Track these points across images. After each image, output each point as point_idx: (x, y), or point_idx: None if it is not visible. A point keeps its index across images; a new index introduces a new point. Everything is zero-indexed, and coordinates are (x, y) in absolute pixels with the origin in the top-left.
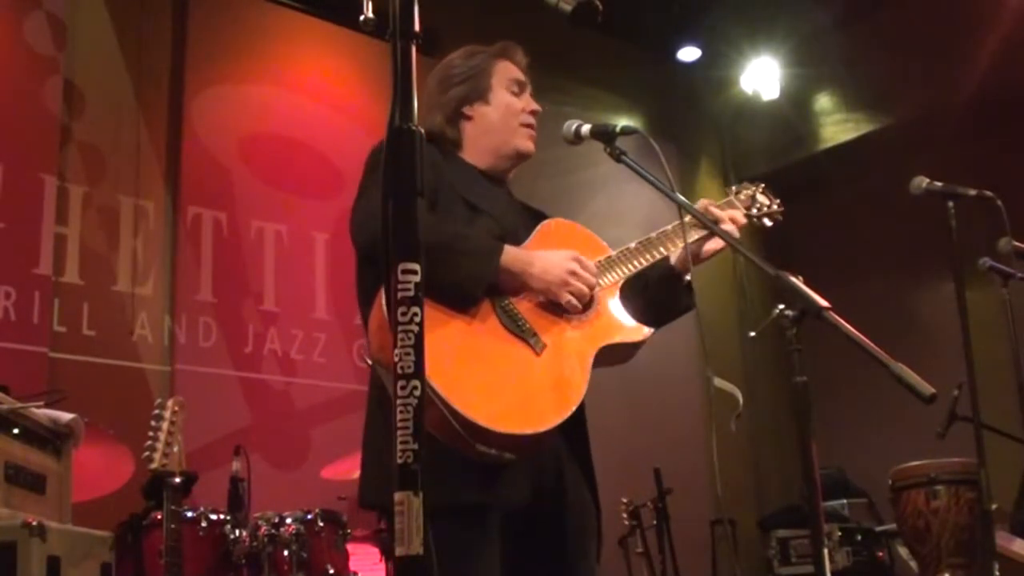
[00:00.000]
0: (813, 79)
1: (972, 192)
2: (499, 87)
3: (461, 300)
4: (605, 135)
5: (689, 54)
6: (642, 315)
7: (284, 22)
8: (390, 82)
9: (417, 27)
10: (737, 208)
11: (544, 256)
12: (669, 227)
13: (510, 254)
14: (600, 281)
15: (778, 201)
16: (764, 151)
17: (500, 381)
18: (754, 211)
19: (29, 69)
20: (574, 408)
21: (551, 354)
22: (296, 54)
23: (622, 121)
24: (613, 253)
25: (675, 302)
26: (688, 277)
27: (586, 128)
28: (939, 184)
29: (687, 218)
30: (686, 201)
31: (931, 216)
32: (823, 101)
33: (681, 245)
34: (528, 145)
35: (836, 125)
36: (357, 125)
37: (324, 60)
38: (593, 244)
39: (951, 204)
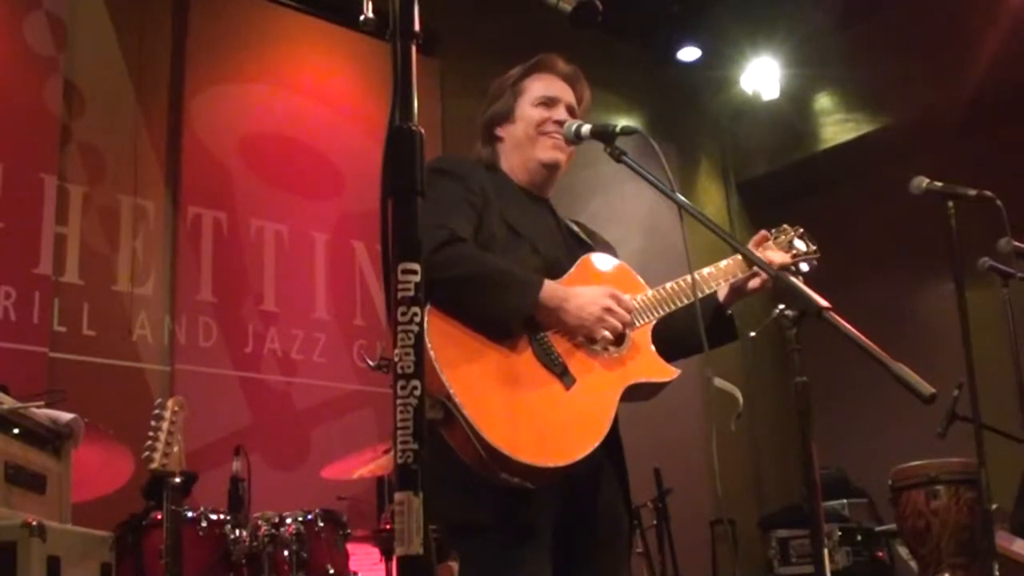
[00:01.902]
0: (813, 79)
1: (972, 192)
2: (524, 104)
3: (497, 331)
4: (605, 135)
5: (689, 54)
6: (681, 347)
7: (284, 22)
8: (390, 82)
9: (417, 27)
10: (776, 250)
11: (580, 293)
12: (705, 270)
13: (548, 289)
14: (634, 320)
15: (815, 247)
16: (764, 151)
17: (528, 412)
18: (789, 256)
19: (29, 69)
20: (596, 445)
21: (579, 390)
22: (296, 54)
23: (622, 121)
24: (649, 292)
25: (723, 335)
26: (730, 311)
27: (586, 128)
28: (939, 184)
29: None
30: (686, 201)
31: (931, 216)
32: (823, 101)
33: (721, 286)
34: (550, 154)
35: (836, 125)
36: (357, 125)
37: (324, 60)
38: (630, 281)
39: (951, 204)
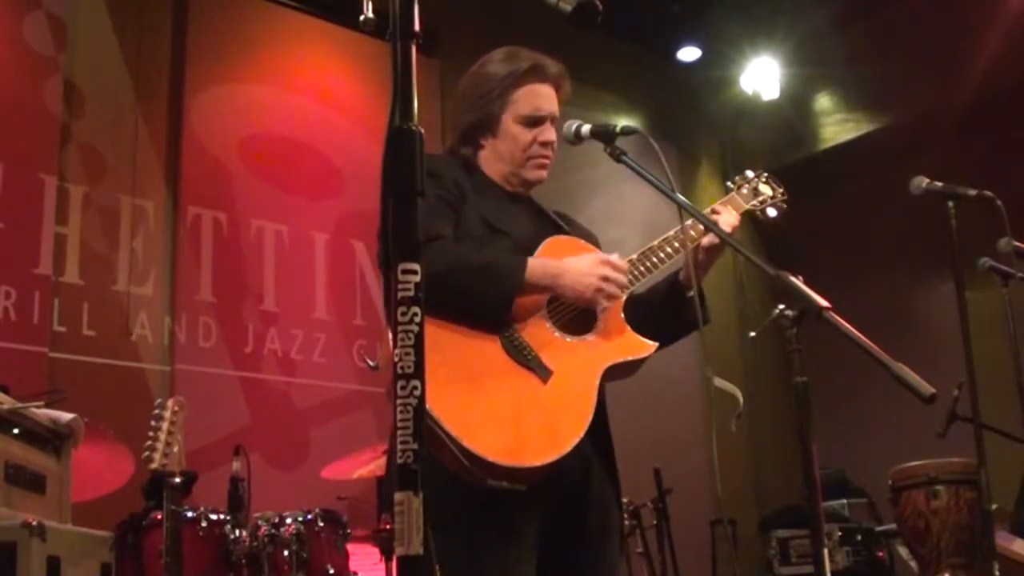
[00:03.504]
0: (813, 79)
1: (972, 192)
2: (509, 120)
3: (488, 321)
4: (605, 135)
5: (689, 54)
6: (651, 332)
7: (284, 22)
8: (390, 82)
9: (417, 27)
10: (732, 209)
11: (573, 266)
12: (671, 233)
13: (536, 269)
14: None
15: (781, 189)
16: (764, 151)
17: (507, 414)
18: (756, 203)
19: (29, 69)
20: (581, 435)
21: (557, 382)
22: (296, 54)
23: (622, 121)
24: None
25: (684, 317)
26: (692, 292)
27: (586, 128)
28: (939, 184)
29: (688, 222)
30: (686, 201)
31: (931, 216)
32: (823, 101)
33: (678, 261)
34: (536, 175)
35: (836, 125)
36: (357, 125)
37: (324, 60)
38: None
39: (951, 204)
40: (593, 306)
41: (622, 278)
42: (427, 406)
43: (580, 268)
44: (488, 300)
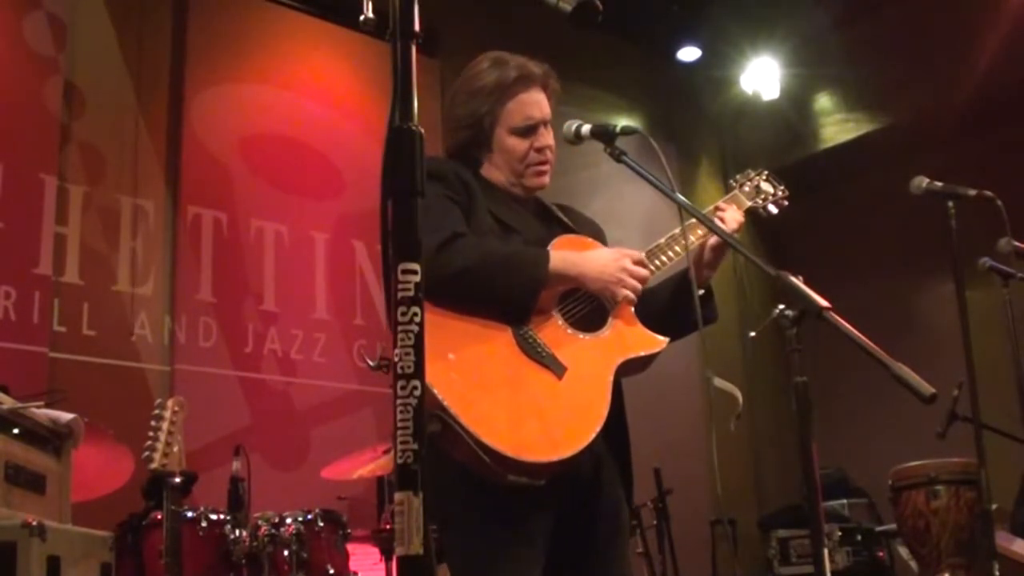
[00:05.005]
0: (813, 79)
1: (972, 192)
2: (503, 133)
3: (514, 311)
4: (605, 135)
5: (689, 54)
6: (660, 327)
7: (284, 22)
8: (390, 82)
9: (417, 27)
10: (736, 207)
11: (595, 257)
12: (676, 231)
13: (559, 259)
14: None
15: (782, 187)
16: (764, 151)
17: (525, 410)
18: (759, 201)
19: (29, 69)
20: (598, 429)
21: (572, 377)
22: (296, 54)
23: (622, 121)
24: None
25: (692, 314)
26: (698, 291)
27: (586, 128)
28: (939, 184)
29: (690, 221)
30: (686, 201)
31: (931, 216)
32: (823, 101)
33: (690, 243)
34: (537, 182)
35: (836, 125)
36: (357, 125)
37: (324, 60)
38: None
39: (951, 204)
40: (615, 298)
41: (643, 271)
42: (445, 403)
43: (602, 259)
44: (516, 290)
